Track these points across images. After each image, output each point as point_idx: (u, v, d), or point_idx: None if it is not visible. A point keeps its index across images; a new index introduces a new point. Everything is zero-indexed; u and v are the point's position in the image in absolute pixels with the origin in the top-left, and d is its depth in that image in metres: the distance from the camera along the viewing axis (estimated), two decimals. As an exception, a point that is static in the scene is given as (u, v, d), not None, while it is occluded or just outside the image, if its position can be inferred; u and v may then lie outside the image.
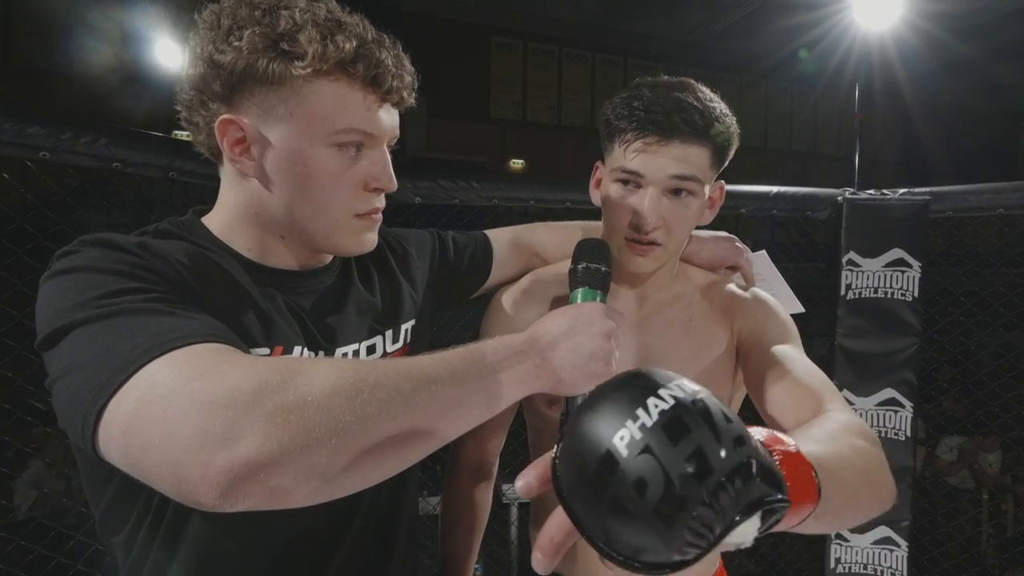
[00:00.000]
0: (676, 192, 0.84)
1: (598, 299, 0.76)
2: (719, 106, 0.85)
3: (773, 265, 1.18)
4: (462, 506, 1.09)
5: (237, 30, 0.62)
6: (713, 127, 0.82)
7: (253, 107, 0.64)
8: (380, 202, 0.73)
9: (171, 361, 0.49)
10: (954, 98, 8.02)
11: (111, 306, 0.52)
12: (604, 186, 0.91)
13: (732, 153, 0.88)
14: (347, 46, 0.63)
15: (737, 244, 1.10)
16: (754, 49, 7.11)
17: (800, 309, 1.17)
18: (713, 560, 0.96)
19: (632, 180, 0.84)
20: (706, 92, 0.85)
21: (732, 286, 1.00)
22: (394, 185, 0.72)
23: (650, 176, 0.83)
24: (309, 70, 0.62)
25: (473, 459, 1.09)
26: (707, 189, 0.88)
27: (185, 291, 0.60)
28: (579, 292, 0.77)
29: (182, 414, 0.46)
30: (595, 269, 0.78)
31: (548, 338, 0.65)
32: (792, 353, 0.85)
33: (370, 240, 0.74)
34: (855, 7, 2.20)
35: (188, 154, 1.39)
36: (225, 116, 0.64)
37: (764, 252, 1.19)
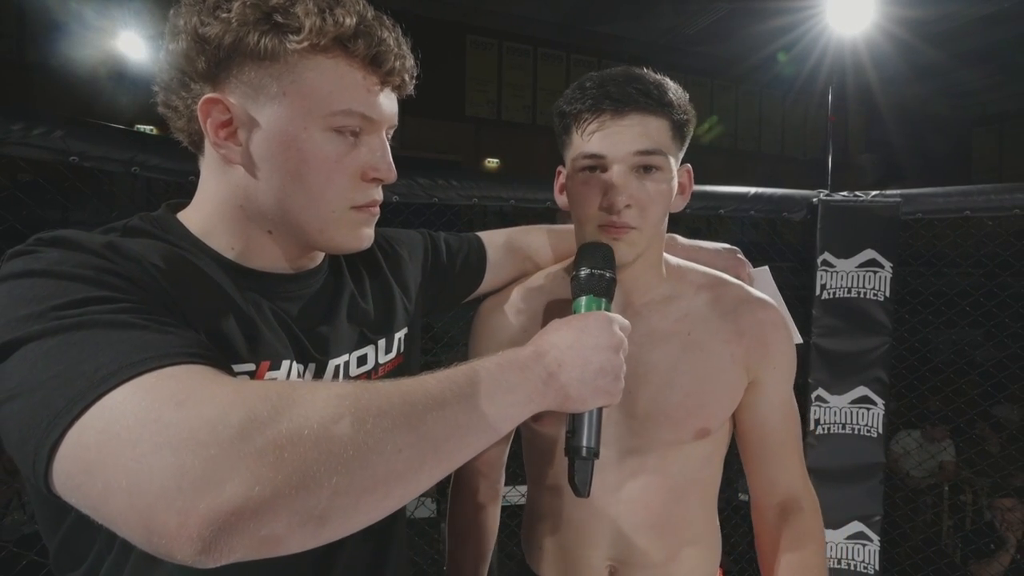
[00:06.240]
0: (644, 169, 0.79)
1: (603, 308, 0.72)
2: (673, 83, 0.82)
3: (774, 284, 1.09)
4: (466, 527, 1.06)
5: (225, 2, 0.57)
6: (668, 97, 0.79)
7: (241, 86, 0.59)
8: (379, 194, 0.67)
9: (142, 386, 0.42)
10: (920, 102, 8.26)
11: (72, 318, 0.45)
12: (568, 182, 0.86)
13: (691, 132, 0.84)
14: (347, 21, 0.58)
15: (739, 256, 1.06)
16: (727, 53, 7.22)
17: (799, 340, 1.05)
18: (712, 572, 0.95)
19: (597, 164, 0.80)
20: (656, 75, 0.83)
21: (743, 290, 0.90)
22: (394, 175, 0.67)
23: (612, 155, 0.78)
24: (305, 44, 0.57)
25: (475, 477, 1.06)
26: (675, 167, 0.83)
27: (161, 299, 0.53)
28: (583, 300, 0.72)
29: (155, 452, 0.39)
30: (599, 275, 0.73)
31: (554, 352, 0.61)
32: (792, 428, 0.91)
33: (367, 236, 0.68)
34: (828, 12, 2.23)
35: (152, 148, 1.32)
36: (210, 95, 0.58)
37: (767, 268, 1.11)
